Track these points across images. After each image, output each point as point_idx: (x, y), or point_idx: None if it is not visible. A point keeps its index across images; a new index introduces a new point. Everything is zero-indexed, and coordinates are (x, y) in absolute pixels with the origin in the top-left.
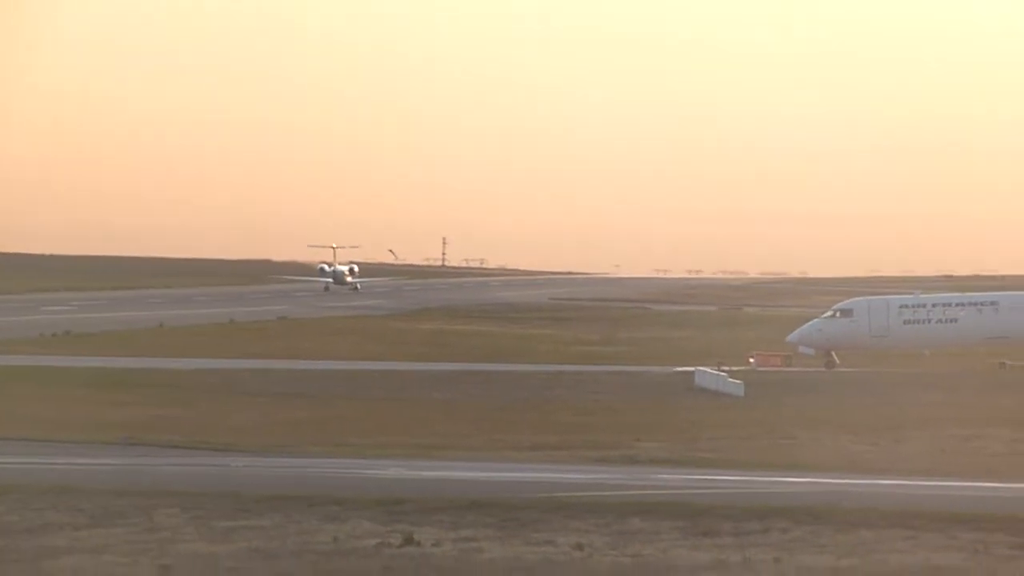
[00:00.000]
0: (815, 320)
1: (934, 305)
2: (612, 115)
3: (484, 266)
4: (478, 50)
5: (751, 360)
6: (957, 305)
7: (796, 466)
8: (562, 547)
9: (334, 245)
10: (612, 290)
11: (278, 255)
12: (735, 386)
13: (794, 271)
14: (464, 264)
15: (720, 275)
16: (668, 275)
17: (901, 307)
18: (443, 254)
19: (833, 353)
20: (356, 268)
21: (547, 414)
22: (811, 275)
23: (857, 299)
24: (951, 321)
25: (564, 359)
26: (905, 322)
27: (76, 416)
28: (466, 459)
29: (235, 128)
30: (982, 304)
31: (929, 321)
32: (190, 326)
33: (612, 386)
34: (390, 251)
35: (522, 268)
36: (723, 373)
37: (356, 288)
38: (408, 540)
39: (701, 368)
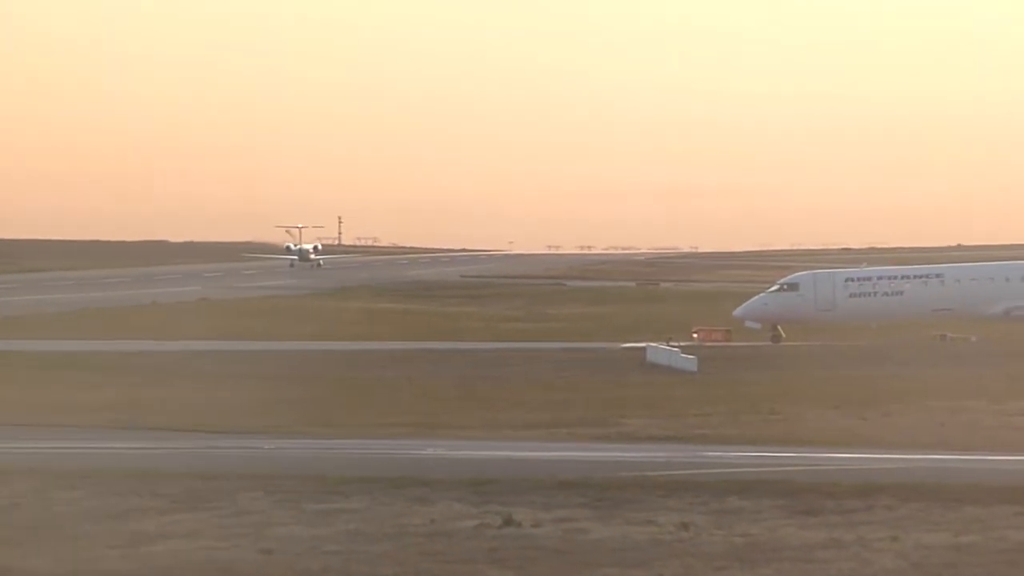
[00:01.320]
0: (761, 294)
1: (880, 278)
2: (496, 91)
3: (377, 244)
4: (358, 28)
5: (695, 335)
6: (903, 278)
7: (808, 441)
8: (666, 527)
9: (300, 225)
10: (518, 267)
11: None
12: (688, 361)
13: (684, 245)
14: (357, 242)
15: (612, 251)
16: (561, 251)
17: (847, 280)
18: (339, 233)
19: (779, 327)
20: (320, 247)
21: (515, 392)
22: (702, 250)
23: (803, 273)
24: (897, 294)
25: (501, 336)
26: (851, 295)
27: (57, 400)
28: (480, 438)
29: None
30: (927, 276)
31: (875, 294)
32: (115, 308)
33: (566, 363)
34: (287, 230)
35: (417, 246)
36: (675, 349)
37: (319, 264)
38: (508, 521)
39: (652, 344)
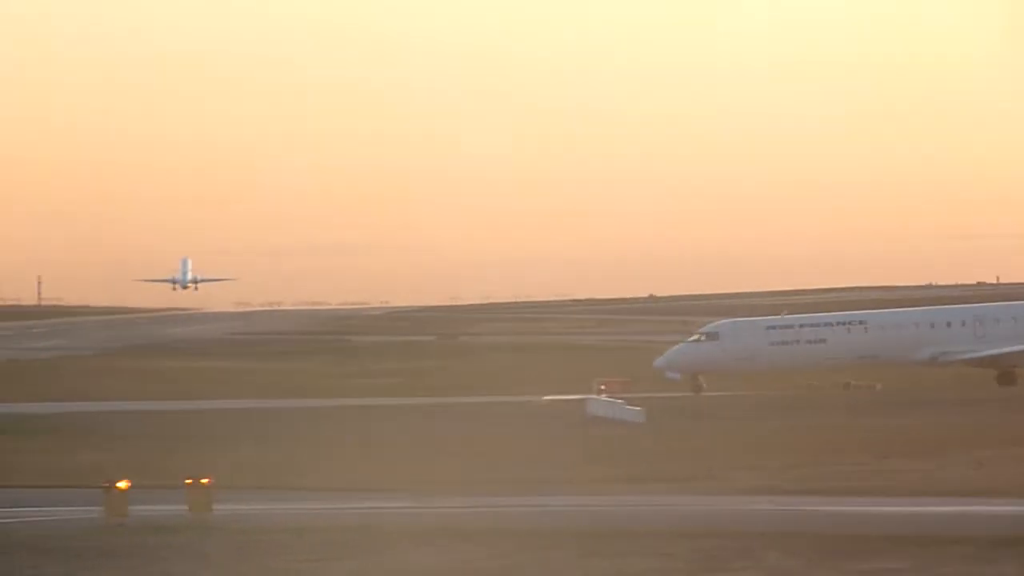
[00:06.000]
0: (681, 344)
1: (802, 326)
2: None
3: (64, 303)
4: None
5: (602, 388)
6: (825, 325)
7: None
8: None
9: None
10: (271, 323)
11: None
12: (635, 413)
13: (374, 301)
14: (50, 303)
15: (304, 306)
16: (251, 308)
17: (768, 329)
18: (39, 293)
19: (700, 377)
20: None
21: (518, 448)
22: (394, 304)
23: (723, 321)
24: (820, 341)
25: (369, 393)
26: (772, 343)
27: None
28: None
29: None
30: (850, 323)
31: (798, 342)
32: None
33: (511, 418)
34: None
35: (87, 304)
36: (619, 401)
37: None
38: None
39: (591, 396)
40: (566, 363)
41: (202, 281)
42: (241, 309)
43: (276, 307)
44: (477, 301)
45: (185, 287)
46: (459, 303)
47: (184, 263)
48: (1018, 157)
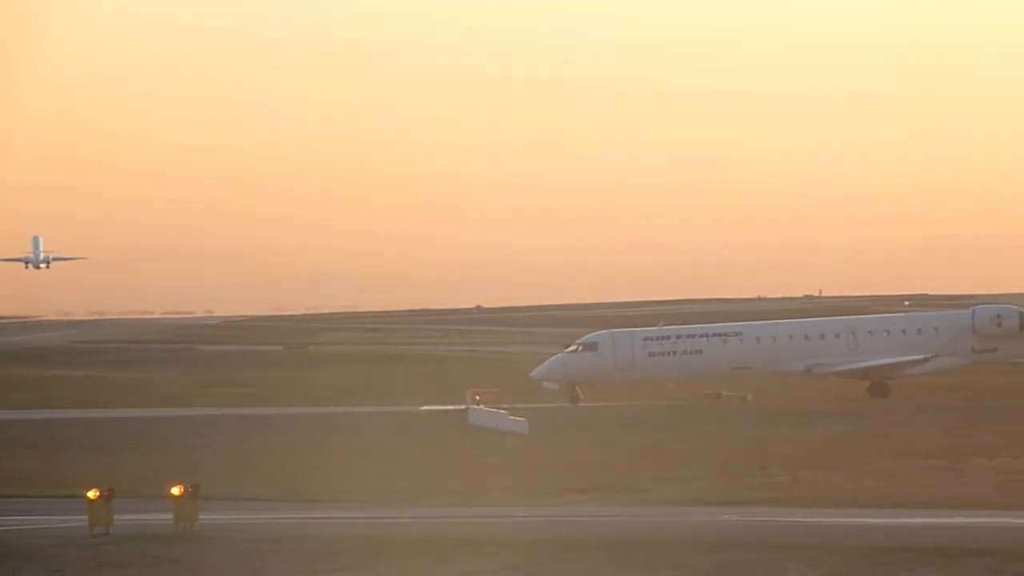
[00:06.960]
0: (559, 355)
1: (678, 337)
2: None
3: None
4: None
5: (477, 397)
6: (701, 336)
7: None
8: None
9: None
10: (109, 332)
11: None
12: (519, 424)
13: (199, 310)
14: None
15: (127, 315)
16: (74, 317)
17: (646, 339)
18: None
19: (577, 387)
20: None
21: (400, 457)
22: (219, 313)
23: (601, 332)
24: (696, 352)
25: (237, 403)
26: (650, 354)
27: None
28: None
29: None
30: (726, 335)
31: (674, 353)
32: None
33: (396, 428)
34: None
35: None
36: (502, 411)
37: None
38: None
39: (471, 406)
40: (425, 373)
41: (55, 260)
42: (65, 318)
43: (100, 316)
44: (305, 311)
45: (38, 267)
46: (287, 313)
47: (36, 242)
48: (844, 167)
